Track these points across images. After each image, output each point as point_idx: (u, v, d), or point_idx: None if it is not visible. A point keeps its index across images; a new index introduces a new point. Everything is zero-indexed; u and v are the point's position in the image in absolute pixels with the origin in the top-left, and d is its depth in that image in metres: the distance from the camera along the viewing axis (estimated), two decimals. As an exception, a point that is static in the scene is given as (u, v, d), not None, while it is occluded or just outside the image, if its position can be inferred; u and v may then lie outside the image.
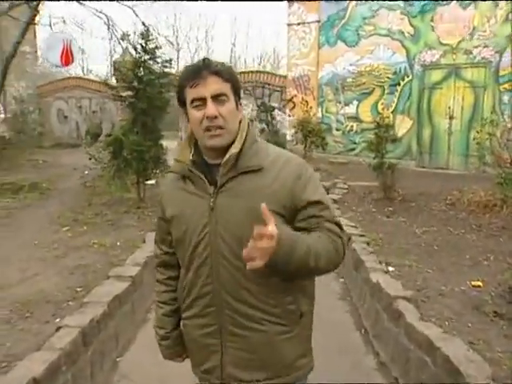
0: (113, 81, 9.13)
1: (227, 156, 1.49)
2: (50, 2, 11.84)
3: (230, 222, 1.50)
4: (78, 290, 4.03)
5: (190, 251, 1.56)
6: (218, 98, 1.48)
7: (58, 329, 3.09)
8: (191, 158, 1.56)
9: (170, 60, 7.28)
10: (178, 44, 40.58)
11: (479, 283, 4.19)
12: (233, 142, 1.52)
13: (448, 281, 4.28)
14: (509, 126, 10.04)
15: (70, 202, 8.00)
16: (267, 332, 1.53)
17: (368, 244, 5.18)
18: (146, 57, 7.31)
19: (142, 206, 7.39)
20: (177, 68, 36.64)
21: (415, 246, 5.38)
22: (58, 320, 3.37)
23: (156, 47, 7.19)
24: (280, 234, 1.31)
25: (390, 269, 4.52)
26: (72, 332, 2.98)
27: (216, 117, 1.46)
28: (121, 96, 7.34)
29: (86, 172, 11.34)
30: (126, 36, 9.96)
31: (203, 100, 1.47)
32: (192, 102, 1.50)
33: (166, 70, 7.34)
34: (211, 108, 1.46)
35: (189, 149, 1.59)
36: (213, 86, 1.47)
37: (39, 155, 14.32)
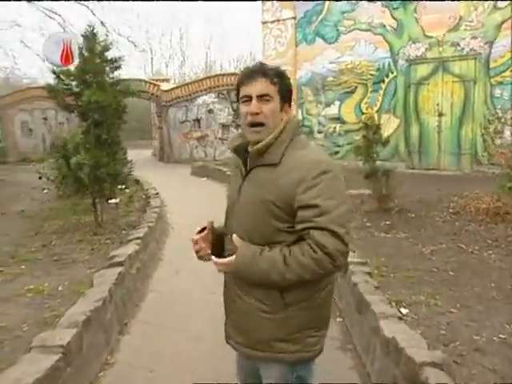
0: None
1: (253, 149, 1.74)
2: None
3: (243, 207, 1.78)
4: (-14, 373, 2.91)
5: (225, 218, 1.92)
6: (262, 97, 1.72)
7: None
8: (234, 144, 1.87)
9: (119, 58, 6.16)
10: (151, 50, 39.51)
11: (522, 327, 3.24)
12: None
13: (481, 325, 3.31)
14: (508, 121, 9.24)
15: (16, 229, 6.81)
16: (251, 305, 1.77)
17: (370, 275, 4.17)
18: (97, 60, 6.22)
19: (100, 232, 6.28)
20: (150, 74, 35.51)
21: (426, 273, 4.41)
22: None
23: (104, 49, 6.09)
24: (238, 256, 1.67)
25: (404, 311, 3.53)
26: None
27: (258, 113, 1.72)
28: (68, 105, 6.23)
29: (45, 191, 10.17)
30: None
31: (250, 98, 1.73)
32: (242, 98, 1.77)
33: (117, 72, 6.22)
34: (254, 105, 1.72)
35: (241, 137, 1.87)
36: (259, 86, 1.72)
37: (-1, 172, 13.05)
